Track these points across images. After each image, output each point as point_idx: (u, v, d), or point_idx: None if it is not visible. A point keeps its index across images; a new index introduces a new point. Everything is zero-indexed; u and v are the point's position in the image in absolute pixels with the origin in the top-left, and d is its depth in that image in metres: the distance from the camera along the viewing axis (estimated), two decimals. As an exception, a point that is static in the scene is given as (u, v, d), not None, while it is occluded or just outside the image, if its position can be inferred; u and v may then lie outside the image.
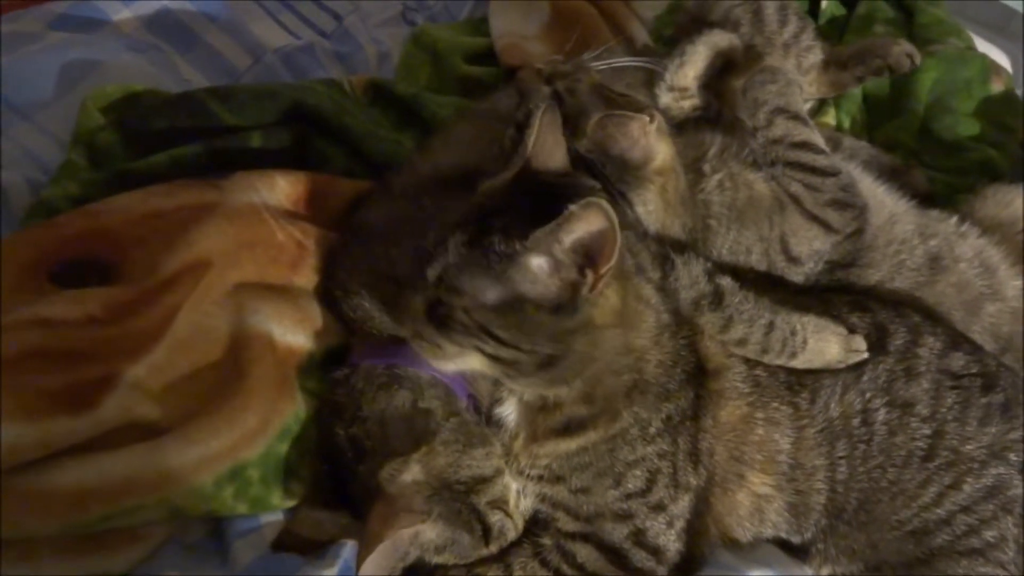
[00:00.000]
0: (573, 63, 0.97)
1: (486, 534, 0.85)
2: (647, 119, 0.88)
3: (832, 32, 1.57)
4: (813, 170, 0.96)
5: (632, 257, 0.87)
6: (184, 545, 0.86)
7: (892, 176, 1.26)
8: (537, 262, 0.74)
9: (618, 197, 0.90)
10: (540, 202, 0.77)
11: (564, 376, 0.81)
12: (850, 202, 0.97)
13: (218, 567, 0.84)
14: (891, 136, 1.43)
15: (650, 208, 0.91)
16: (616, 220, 0.72)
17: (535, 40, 1.45)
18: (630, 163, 0.89)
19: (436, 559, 0.84)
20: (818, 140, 0.98)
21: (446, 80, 1.39)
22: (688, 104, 1.12)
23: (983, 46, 1.71)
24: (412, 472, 0.83)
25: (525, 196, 0.78)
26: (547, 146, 0.81)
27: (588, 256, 0.74)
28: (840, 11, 1.70)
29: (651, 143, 0.89)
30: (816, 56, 1.29)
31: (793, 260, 0.96)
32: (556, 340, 0.77)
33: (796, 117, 0.97)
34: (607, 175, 0.89)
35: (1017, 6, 1.86)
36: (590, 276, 0.75)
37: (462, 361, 0.81)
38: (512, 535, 0.89)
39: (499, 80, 1.37)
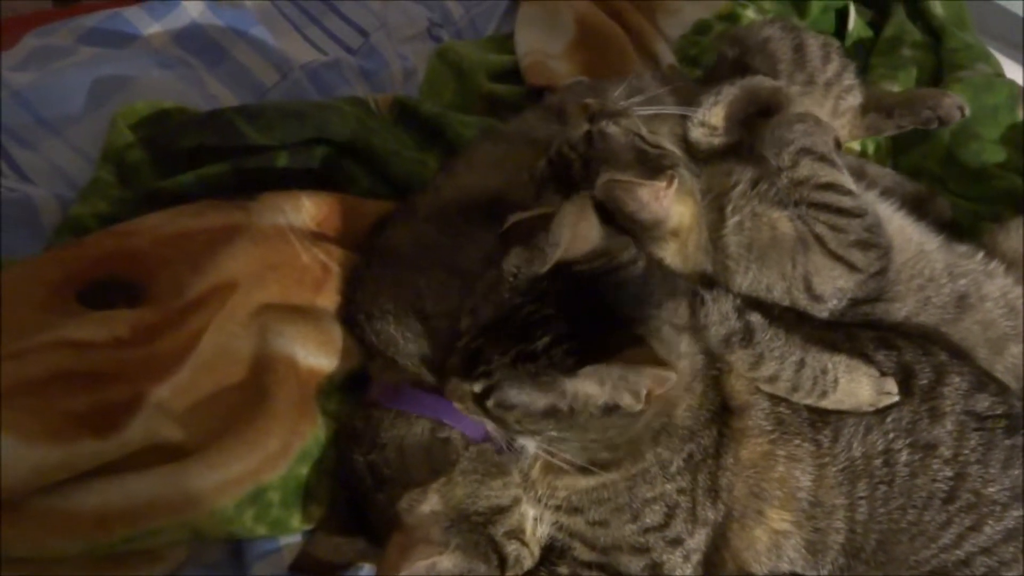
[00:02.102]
0: (613, 103, 0.96)
1: (502, 564, 0.85)
2: (661, 184, 0.86)
3: (857, 54, 1.56)
4: (839, 211, 0.95)
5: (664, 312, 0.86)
6: (203, 565, 0.87)
7: (916, 203, 1.25)
8: (586, 388, 0.74)
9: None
10: (581, 293, 0.76)
11: (612, 445, 0.82)
12: (875, 242, 0.96)
13: (237, 588, 0.85)
14: (916, 163, 1.42)
15: (667, 262, 0.91)
16: (675, 372, 0.71)
17: (560, 58, 1.45)
18: (642, 224, 0.88)
19: None
20: (845, 181, 0.97)
21: (470, 98, 1.39)
22: (718, 141, 1.11)
23: (1013, 69, 1.70)
24: (431, 502, 0.83)
25: (566, 292, 0.77)
26: (579, 232, 0.79)
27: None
28: (867, 33, 1.69)
29: (665, 206, 0.88)
30: (856, 99, 1.28)
31: (816, 298, 0.96)
32: (606, 429, 0.78)
33: (823, 158, 0.96)
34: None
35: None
36: (644, 399, 0.75)
37: (523, 439, 0.81)
38: (528, 563, 0.89)
39: (523, 98, 1.37)
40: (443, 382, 0.79)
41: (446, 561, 0.82)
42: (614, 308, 0.73)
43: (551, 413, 0.76)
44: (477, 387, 0.77)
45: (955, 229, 1.25)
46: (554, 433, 0.77)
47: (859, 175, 1.22)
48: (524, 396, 0.75)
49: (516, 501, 0.88)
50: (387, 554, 0.79)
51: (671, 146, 0.97)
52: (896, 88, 1.55)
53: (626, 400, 0.75)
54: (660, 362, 0.71)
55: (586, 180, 0.90)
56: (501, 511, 0.86)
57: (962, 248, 1.09)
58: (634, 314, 0.77)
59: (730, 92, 1.07)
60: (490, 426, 0.81)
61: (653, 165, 0.91)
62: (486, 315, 0.77)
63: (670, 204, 0.89)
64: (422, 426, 0.88)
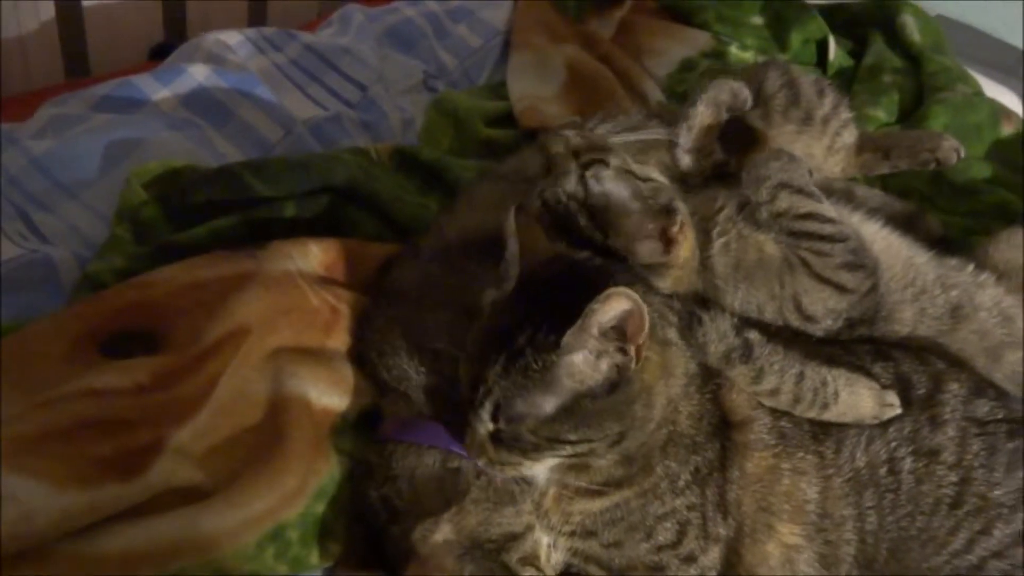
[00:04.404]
0: (595, 137, 1.00)
1: None
2: (673, 234, 0.90)
3: (840, 83, 1.61)
4: (821, 238, 0.98)
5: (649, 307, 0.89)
6: (226, 606, 0.88)
7: (907, 222, 1.28)
8: (578, 359, 0.77)
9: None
10: (549, 294, 0.80)
11: (632, 445, 0.83)
12: (861, 263, 0.99)
13: (258, 627, 0.86)
14: (904, 183, 1.45)
15: (663, 287, 0.94)
16: (637, 297, 0.75)
17: (552, 102, 1.50)
18: (642, 260, 0.91)
19: None
20: (824, 210, 1.00)
21: (468, 143, 1.44)
22: (707, 163, 1.15)
23: (994, 88, 1.75)
24: (443, 532, 0.85)
25: (534, 298, 0.80)
26: (529, 241, 0.84)
27: (621, 334, 0.77)
28: (848, 62, 1.74)
29: (675, 254, 0.92)
30: (851, 136, 1.31)
31: (809, 319, 0.98)
32: (621, 416, 0.80)
33: (800, 191, 0.99)
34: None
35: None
36: (631, 350, 0.78)
37: (538, 469, 0.83)
38: None
39: (518, 142, 1.41)
40: (466, 445, 0.81)
41: None
42: (583, 298, 0.75)
43: (562, 411, 0.77)
44: (486, 413, 0.79)
45: (946, 245, 1.28)
46: (573, 437, 0.78)
47: (848, 197, 1.25)
48: (529, 400, 0.77)
49: (529, 528, 0.89)
50: None
51: (661, 177, 1.01)
52: (880, 114, 1.60)
53: (616, 358, 0.77)
54: (632, 298, 0.74)
55: (597, 231, 0.91)
56: (514, 538, 0.87)
57: (952, 261, 1.12)
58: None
59: (695, 112, 1.11)
60: (519, 468, 0.81)
61: (655, 208, 0.92)
62: (474, 350, 0.80)
63: (679, 251, 0.92)
64: (433, 457, 0.90)
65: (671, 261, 0.92)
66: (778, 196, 0.99)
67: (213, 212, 1.08)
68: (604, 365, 0.78)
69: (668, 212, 0.92)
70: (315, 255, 1.05)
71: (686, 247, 0.94)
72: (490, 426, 0.79)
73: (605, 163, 0.94)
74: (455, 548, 0.85)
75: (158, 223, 1.08)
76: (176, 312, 0.94)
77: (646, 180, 0.95)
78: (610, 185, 0.92)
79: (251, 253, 1.02)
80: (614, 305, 0.75)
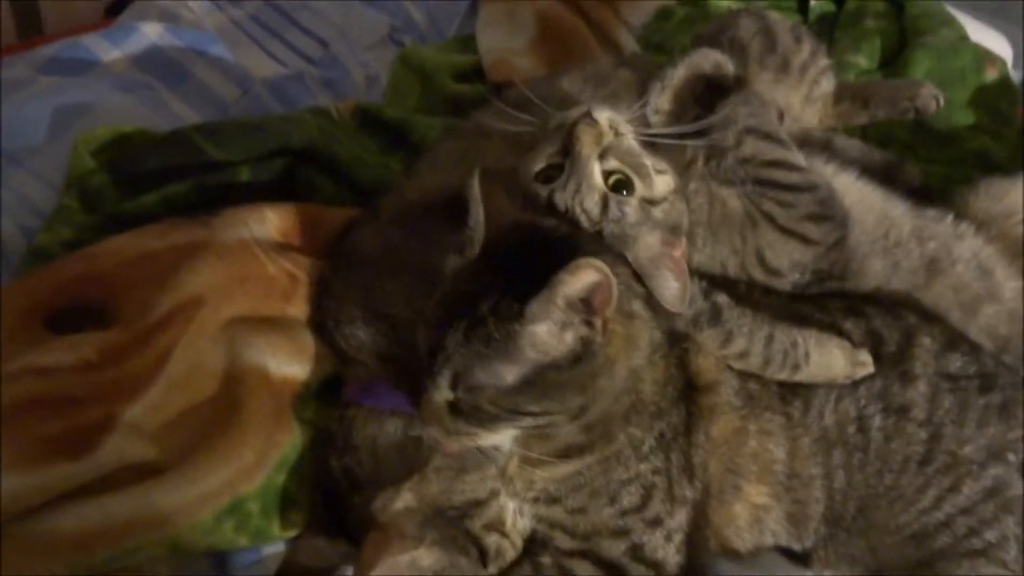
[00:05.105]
0: (627, 143, 0.91)
1: (483, 557, 0.86)
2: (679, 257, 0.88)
3: (822, 29, 1.57)
4: (786, 187, 0.95)
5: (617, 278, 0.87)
6: (189, 580, 0.88)
7: (886, 172, 1.25)
8: (541, 330, 0.74)
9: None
10: (513, 261, 0.77)
11: (593, 416, 0.81)
12: (828, 215, 0.96)
13: (224, 600, 0.86)
14: (884, 131, 1.41)
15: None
16: (606, 268, 0.72)
17: (522, 55, 1.46)
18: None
19: None
20: (792, 158, 0.97)
21: (435, 99, 1.40)
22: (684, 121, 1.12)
23: (981, 30, 1.70)
24: (404, 500, 0.83)
25: (498, 265, 0.77)
26: (493, 206, 0.80)
27: (588, 305, 0.74)
28: (829, 7, 1.69)
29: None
30: (829, 84, 1.27)
31: (773, 272, 0.96)
32: (583, 389, 0.78)
33: (767, 136, 0.96)
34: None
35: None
36: (597, 323, 0.75)
37: (496, 439, 0.81)
38: (511, 554, 0.89)
39: (487, 97, 1.37)
40: (420, 413, 0.78)
41: (425, 557, 0.82)
42: (550, 267, 0.72)
43: (524, 383, 0.75)
44: (444, 381, 0.76)
45: (927, 195, 1.25)
46: (534, 408, 0.76)
47: (826, 148, 1.22)
48: (489, 369, 0.74)
49: (494, 494, 0.88)
50: (362, 553, 0.80)
51: (673, 181, 0.94)
52: (861, 60, 1.55)
53: (582, 331, 0.74)
54: (601, 270, 0.71)
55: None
56: (478, 504, 0.86)
57: (931, 212, 1.09)
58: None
59: (674, 74, 1.08)
60: (475, 440, 0.79)
61: (663, 227, 0.90)
62: (434, 316, 0.77)
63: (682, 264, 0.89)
64: (394, 425, 0.88)
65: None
66: (744, 141, 0.96)
67: (165, 179, 1.05)
68: (569, 337, 0.75)
69: (674, 232, 0.89)
70: (272, 221, 1.02)
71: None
72: (448, 395, 0.77)
73: (632, 183, 0.88)
74: (416, 515, 0.84)
75: (108, 191, 1.05)
76: (125, 284, 0.91)
77: (663, 201, 0.90)
78: (631, 217, 0.87)
79: (204, 221, 0.99)
80: (583, 276, 0.72)
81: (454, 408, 0.77)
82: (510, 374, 0.75)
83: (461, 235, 0.80)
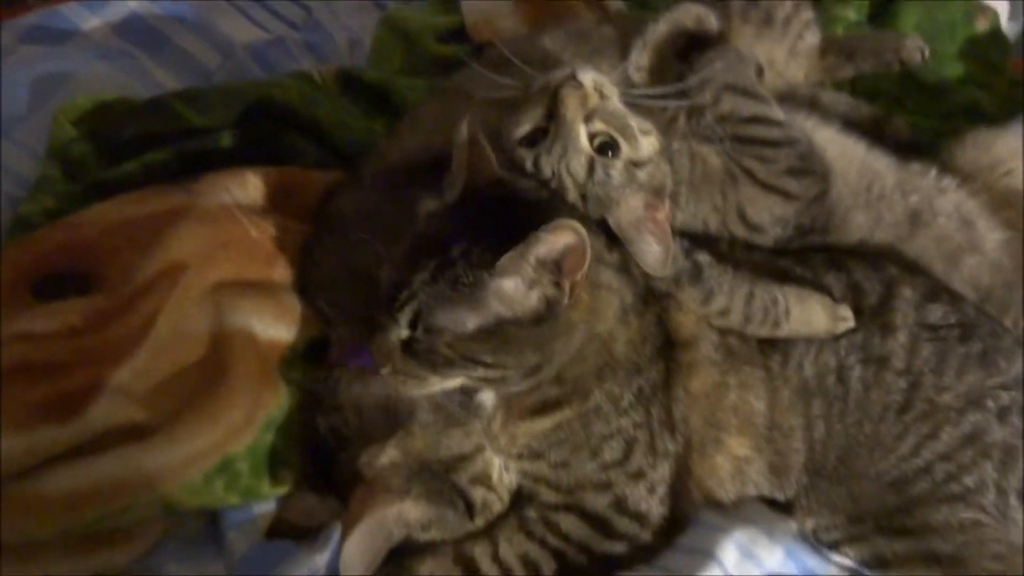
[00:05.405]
0: (613, 106, 0.90)
1: (470, 510, 0.87)
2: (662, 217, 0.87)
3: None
4: (765, 143, 0.95)
5: None
6: (182, 538, 0.89)
7: (873, 126, 1.25)
8: (509, 285, 0.75)
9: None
10: (489, 214, 0.77)
11: (546, 375, 0.82)
12: (808, 169, 0.96)
13: (216, 558, 0.88)
14: (872, 84, 1.40)
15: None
16: (584, 233, 0.72)
17: (506, 16, 1.44)
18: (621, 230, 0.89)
19: (424, 536, 0.87)
20: (771, 113, 0.97)
21: (420, 62, 1.38)
22: (666, 78, 1.11)
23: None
24: (389, 455, 0.85)
25: (474, 215, 0.78)
26: (477, 158, 0.80)
27: (558, 268, 0.75)
28: (818, -42, 1.66)
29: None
30: (814, 37, 1.25)
31: (755, 228, 0.96)
32: (540, 349, 0.78)
33: (745, 92, 0.96)
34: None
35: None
36: (565, 286, 0.76)
37: (442, 385, 0.82)
38: (498, 507, 0.90)
39: (471, 57, 1.36)
40: (372, 350, 0.78)
41: (412, 510, 0.84)
42: (526, 225, 0.73)
43: (483, 332, 0.75)
44: (404, 319, 0.76)
45: (916, 149, 1.24)
46: (489, 359, 0.76)
47: (812, 103, 1.22)
48: (452, 313, 0.75)
49: (479, 449, 0.89)
50: (349, 509, 0.81)
51: (657, 142, 0.93)
52: (850, 13, 1.53)
53: (549, 291, 0.75)
54: (579, 233, 0.72)
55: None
56: (463, 458, 0.88)
57: (915, 166, 1.09)
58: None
59: (655, 31, 1.07)
60: (423, 384, 0.80)
61: (646, 188, 0.89)
62: (402, 254, 0.77)
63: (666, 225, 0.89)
64: (379, 384, 0.89)
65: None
66: (722, 98, 0.96)
67: (146, 146, 1.05)
68: (535, 296, 0.76)
69: (658, 195, 0.89)
70: (254, 185, 1.02)
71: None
72: (405, 333, 0.77)
73: (617, 145, 0.88)
74: (402, 470, 0.85)
75: (89, 160, 1.05)
76: (108, 251, 0.92)
77: (648, 162, 0.90)
78: (616, 179, 0.87)
79: (185, 187, 0.99)
80: (560, 237, 0.72)
81: (408, 348, 0.78)
82: (471, 321, 0.75)
83: (443, 179, 0.80)
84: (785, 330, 0.91)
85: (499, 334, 0.76)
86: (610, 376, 0.86)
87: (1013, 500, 0.87)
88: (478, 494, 0.88)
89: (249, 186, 1.02)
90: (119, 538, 0.85)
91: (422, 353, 0.77)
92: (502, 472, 0.91)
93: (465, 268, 0.74)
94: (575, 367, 0.84)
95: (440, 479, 0.86)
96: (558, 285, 0.76)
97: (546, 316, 0.76)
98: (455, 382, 0.81)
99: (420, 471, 0.86)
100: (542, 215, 0.80)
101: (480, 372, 0.78)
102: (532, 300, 0.76)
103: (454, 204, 0.79)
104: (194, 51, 1.26)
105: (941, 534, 0.85)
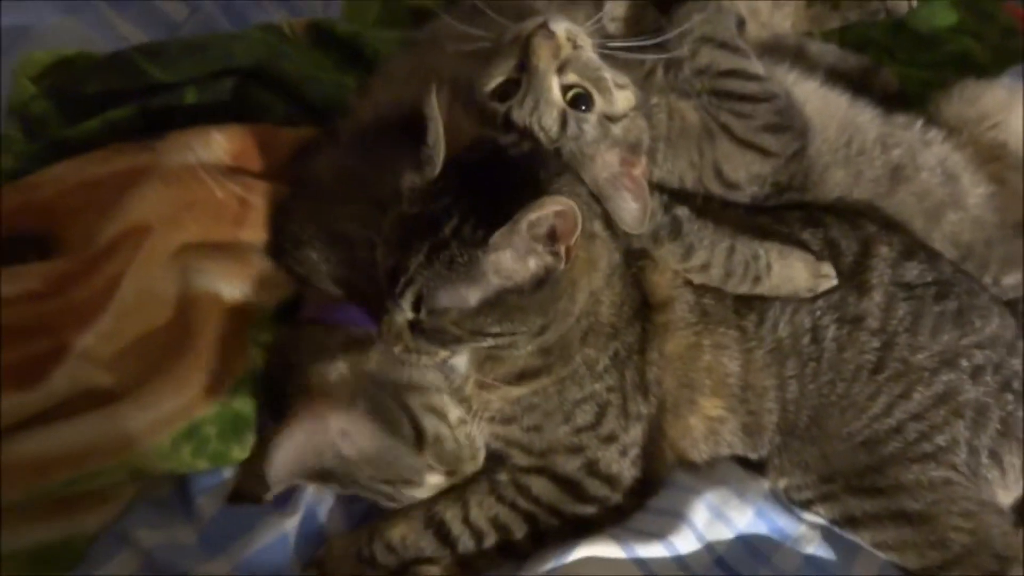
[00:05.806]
0: (587, 56, 0.87)
1: (419, 439, 0.84)
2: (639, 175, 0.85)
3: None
4: (742, 97, 0.92)
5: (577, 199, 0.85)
6: (153, 502, 0.89)
7: (861, 78, 1.22)
8: (505, 257, 0.73)
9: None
10: (475, 179, 0.75)
11: (552, 336, 0.81)
12: (787, 125, 0.94)
13: (187, 521, 0.87)
14: (862, 34, 1.37)
15: None
16: (572, 203, 0.71)
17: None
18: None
19: (366, 474, 0.84)
20: (749, 67, 0.94)
21: (397, 14, 1.34)
22: (642, 28, 1.08)
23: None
24: (338, 369, 0.83)
25: (460, 185, 0.76)
26: (452, 122, 0.78)
27: (553, 234, 0.74)
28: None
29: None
30: None
31: (731, 185, 0.94)
32: (545, 310, 0.77)
33: (723, 45, 0.93)
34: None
35: None
36: (561, 250, 0.74)
37: (457, 357, 0.81)
38: (451, 447, 0.86)
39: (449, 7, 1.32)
40: (382, 333, 0.78)
41: (356, 426, 0.81)
42: (511, 187, 0.72)
43: (486, 305, 0.75)
44: (406, 303, 0.75)
45: (904, 101, 1.22)
46: (496, 329, 0.76)
47: (797, 54, 1.18)
48: (452, 292, 0.74)
49: (437, 389, 0.87)
50: (287, 417, 0.80)
51: (634, 96, 0.90)
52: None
53: (546, 258, 0.74)
54: (566, 203, 0.71)
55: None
56: (419, 388, 0.85)
57: (900, 119, 1.07)
58: (531, 185, 0.77)
59: None
60: (435, 359, 0.80)
61: (622, 144, 0.87)
62: (394, 236, 0.76)
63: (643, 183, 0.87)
64: (340, 334, 0.88)
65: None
66: (699, 51, 0.93)
67: (109, 103, 1.02)
68: (532, 263, 0.75)
69: (634, 151, 0.87)
70: (219, 144, 0.99)
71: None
72: (410, 315, 0.76)
73: (591, 99, 0.85)
74: (349, 383, 0.83)
75: (50, 118, 1.02)
76: (68, 213, 0.90)
77: (623, 117, 0.88)
78: (590, 134, 0.85)
79: (148, 146, 0.96)
80: (548, 210, 0.71)
81: (415, 327, 0.77)
82: (473, 297, 0.75)
83: (420, 153, 0.77)
84: (766, 286, 0.89)
85: (502, 304, 0.75)
86: (592, 340, 0.85)
87: (984, 458, 0.88)
88: (430, 423, 0.85)
89: (214, 145, 0.99)
90: (89, 502, 0.85)
91: (430, 332, 0.76)
92: (464, 425, 0.88)
93: (458, 247, 0.73)
94: (567, 332, 0.83)
95: (391, 399, 0.84)
96: (554, 252, 0.74)
97: (546, 279, 0.75)
98: (468, 353, 0.80)
99: (369, 388, 0.84)
100: (527, 171, 0.79)
101: (489, 342, 0.77)
102: (530, 267, 0.75)
103: (437, 176, 0.77)
104: (160, 2, 1.22)
105: (911, 493, 0.86)
